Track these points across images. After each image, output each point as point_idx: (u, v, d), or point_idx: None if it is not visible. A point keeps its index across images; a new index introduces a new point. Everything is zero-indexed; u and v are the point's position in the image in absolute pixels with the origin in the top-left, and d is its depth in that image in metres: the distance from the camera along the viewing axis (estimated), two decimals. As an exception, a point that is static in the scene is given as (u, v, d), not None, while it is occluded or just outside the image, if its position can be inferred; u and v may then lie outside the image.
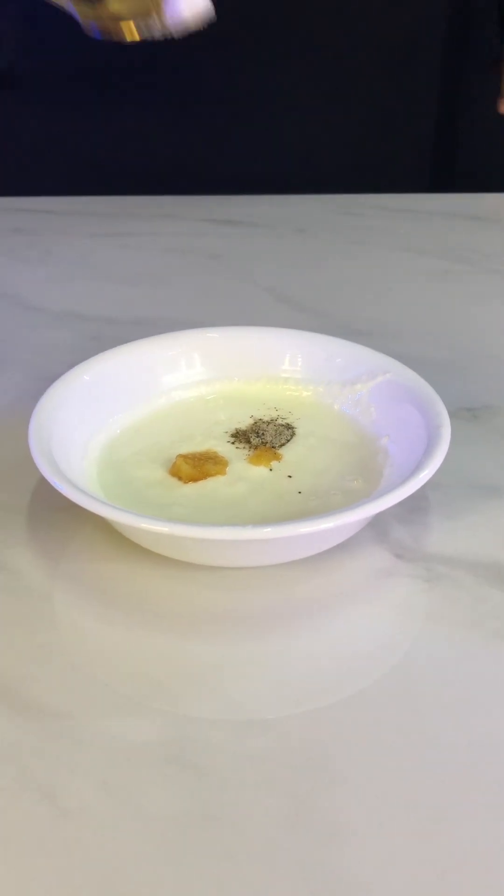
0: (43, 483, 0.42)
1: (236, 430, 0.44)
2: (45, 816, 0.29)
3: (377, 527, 0.40)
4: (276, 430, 0.44)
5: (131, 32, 0.36)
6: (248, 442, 0.43)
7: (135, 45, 0.79)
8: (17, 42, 0.78)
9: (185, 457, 0.42)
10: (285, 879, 0.28)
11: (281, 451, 0.43)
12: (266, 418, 0.45)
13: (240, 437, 0.44)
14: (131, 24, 0.36)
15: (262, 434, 0.44)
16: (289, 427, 0.44)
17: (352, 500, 0.39)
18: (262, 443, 0.43)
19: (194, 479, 0.41)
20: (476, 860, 0.28)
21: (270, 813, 0.29)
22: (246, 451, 0.43)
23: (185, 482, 0.41)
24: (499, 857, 0.28)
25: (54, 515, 0.41)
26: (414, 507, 0.41)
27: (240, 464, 0.42)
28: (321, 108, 0.79)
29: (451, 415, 0.41)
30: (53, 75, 0.78)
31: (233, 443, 0.43)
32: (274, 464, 0.42)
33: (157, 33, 0.36)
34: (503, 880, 0.28)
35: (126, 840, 0.29)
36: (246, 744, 0.32)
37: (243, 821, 0.29)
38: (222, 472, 0.41)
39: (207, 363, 0.47)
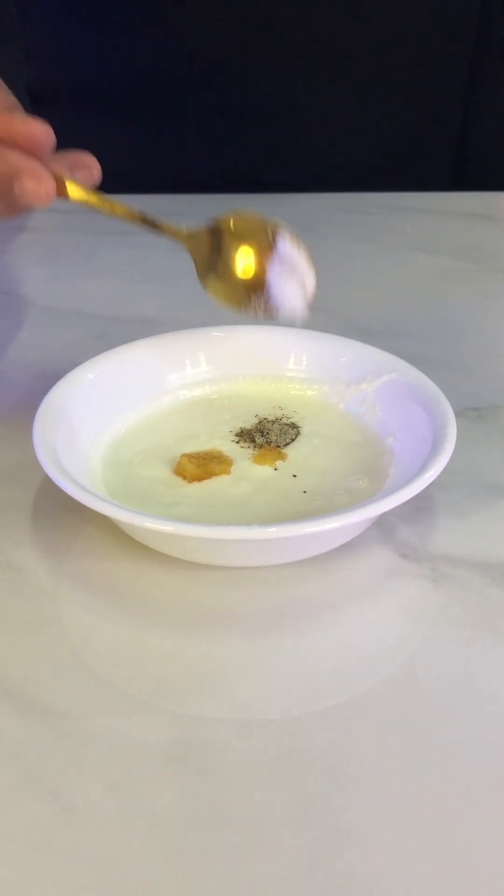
0: (47, 482, 0.42)
1: (241, 429, 0.44)
2: (51, 815, 0.29)
3: (382, 526, 0.40)
4: (280, 430, 0.44)
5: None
6: (253, 441, 0.43)
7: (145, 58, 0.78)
8: (45, 56, 0.78)
9: (189, 456, 0.42)
10: (290, 879, 0.28)
11: (286, 450, 0.43)
12: (271, 417, 0.45)
13: (244, 436, 0.44)
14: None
15: (267, 433, 0.44)
16: (294, 426, 0.44)
17: (357, 499, 0.39)
18: (267, 442, 0.43)
19: (199, 479, 0.41)
20: (483, 861, 0.28)
21: (276, 813, 0.29)
22: (251, 451, 0.43)
23: (190, 481, 0.41)
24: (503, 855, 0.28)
25: (59, 514, 0.41)
26: (420, 507, 0.41)
27: (244, 463, 0.42)
28: (328, 107, 0.79)
29: (458, 414, 0.41)
30: (71, 92, 0.79)
31: (237, 442, 0.43)
32: (279, 463, 0.42)
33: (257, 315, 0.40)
34: (509, 882, 0.28)
35: (131, 839, 0.29)
36: (251, 743, 0.32)
37: (248, 820, 0.29)
38: (227, 472, 0.41)
39: (212, 362, 0.47)
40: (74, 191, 0.41)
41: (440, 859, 0.28)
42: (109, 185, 0.76)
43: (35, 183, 0.39)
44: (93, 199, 0.42)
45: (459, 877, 0.28)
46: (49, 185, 0.39)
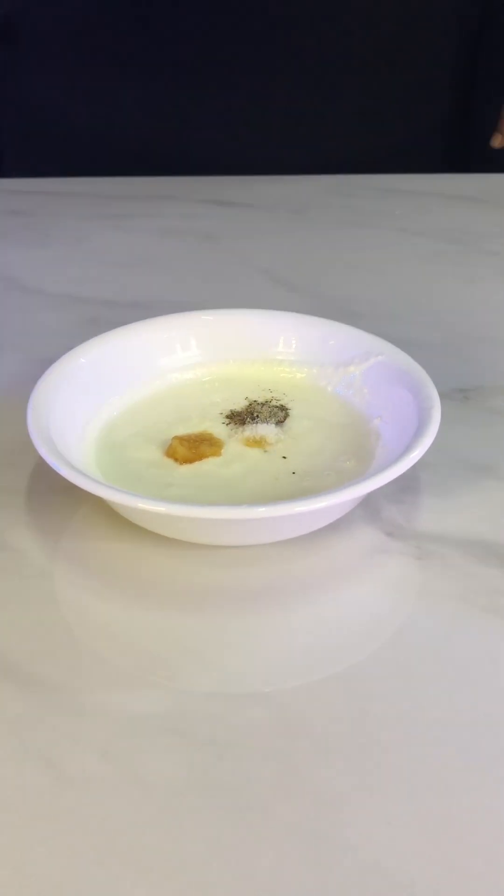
0: (41, 465, 0.43)
1: (231, 411, 0.45)
2: (48, 785, 0.30)
3: (369, 506, 0.41)
4: (270, 412, 0.45)
5: None
6: (243, 423, 0.44)
7: (133, 17, 0.78)
8: None
9: (180, 438, 0.42)
10: (279, 844, 0.29)
11: (275, 431, 0.44)
12: (261, 400, 0.46)
13: (235, 418, 0.44)
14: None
15: (257, 415, 0.44)
16: (283, 408, 0.45)
17: (344, 480, 0.40)
18: (255, 421, 0.44)
19: (190, 461, 0.42)
20: (464, 826, 0.29)
21: (266, 781, 0.31)
22: (241, 433, 0.43)
23: (181, 463, 0.41)
24: (486, 822, 0.29)
25: (53, 497, 0.42)
26: (405, 487, 0.42)
27: (235, 445, 0.43)
28: (319, 89, 0.79)
29: (444, 395, 0.42)
30: (53, 31, 0.78)
31: (228, 424, 0.44)
32: (268, 445, 0.43)
33: None
34: (491, 844, 0.29)
35: (125, 806, 0.30)
36: (242, 715, 0.33)
37: (239, 789, 0.30)
38: (217, 454, 0.42)
39: (203, 346, 0.48)
40: None
41: (423, 823, 0.29)
42: (102, 166, 0.76)
43: None
44: None
45: (442, 841, 0.29)
46: None
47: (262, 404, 0.45)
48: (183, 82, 0.79)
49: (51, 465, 0.38)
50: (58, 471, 0.38)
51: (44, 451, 0.38)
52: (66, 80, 0.79)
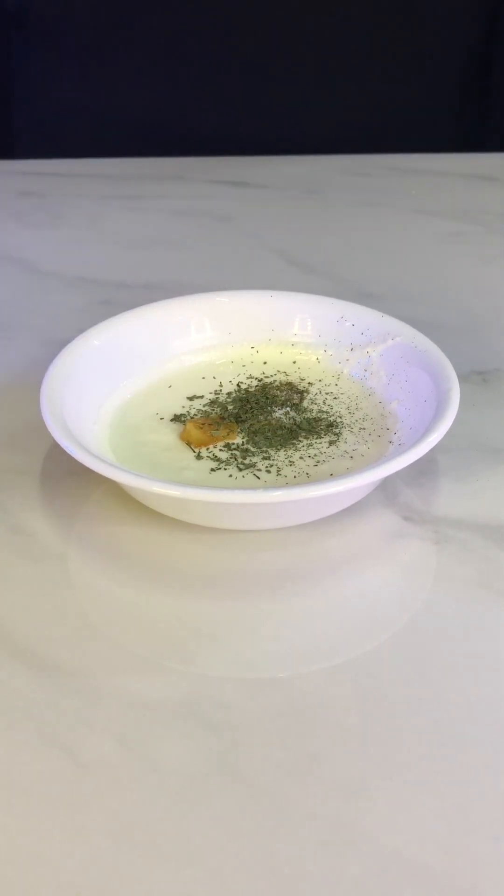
0: (55, 447, 0.42)
1: (246, 393, 0.44)
2: (65, 770, 0.30)
3: (386, 490, 0.41)
4: (286, 395, 0.44)
5: None
6: (259, 406, 0.44)
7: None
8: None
9: (195, 422, 0.42)
10: (296, 829, 0.29)
11: (291, 414, 0.43)
12: (276, 383, 0.45)
13: (250, 401, 0.44)
14: None
15: (272, 398, 0.44)
16: (299, 391, 0.45)
17: (361, 463, 0.40)
18: (271, 405, 0.43)
19: (204, 444, 0.41)
20: (482, 812, 0.29)
21: (282, 766, 0.30)
22: (255, 416, 0.43)
23: (196, 447, 0.41)
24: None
25: (67, 479, 0.41)
26: (423, 470, 0.42)
27: (250, 428, 0.42)
28: (333, 68, 0.78)
29: (462, 378, 0.41)
30: (65, 19, 0.77)
31: (242, 407, 0.44)
32: (284, 428, 0.42)
33: None
34: (508, 831, 0.29)
35: (141, 791, 0.30)
36: (259, 700, 0.32)
37: (255, 774, 0.30)
38: (233, 437, 0.42)
39: (217, 327, 0.47)
40: None
41: (441, 810, 0.29)
42: (114, 146, 0.76)
43: None
44: None
45: (459, 826, 0.29)
46: None
47: (278, 387, 0.45)
48: (196, 63, 0.78)
49: (65, 447, 0.38)
50: (71, 453, 0.37)
51: (58, 434, 0.38)
52: (77, 64, 0.79)
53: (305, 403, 0.44)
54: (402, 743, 0.31)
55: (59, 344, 0.44)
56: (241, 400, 0.44)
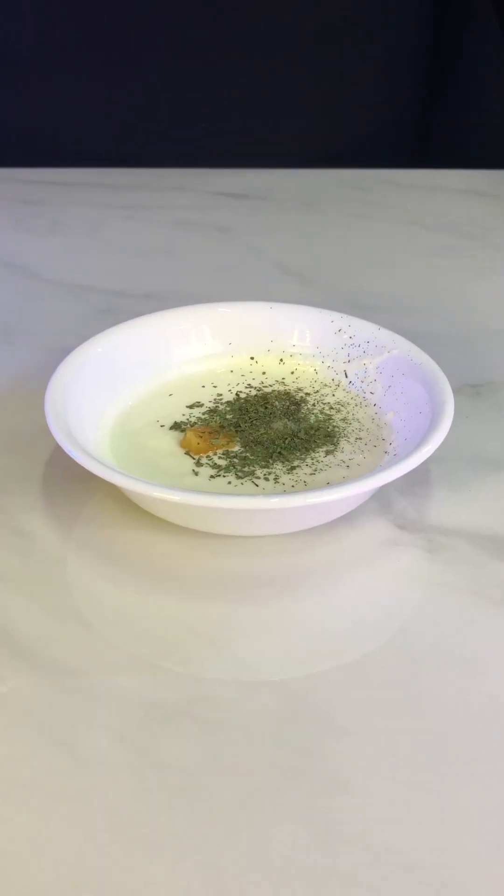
0: (57, 452, 0.43)
1: (245, 403, 0.45)
2: (65, 767, 0.31)
3: (381, 499, 0.42)
4: (283, 404, 0.45)
5: None
6: (257, 415, 0.44)
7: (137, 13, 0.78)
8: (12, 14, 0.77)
9: (194, 430, 0.43)
10: (290, 826, 0.29)
11: (289, 425, 0.44)
12: (274, 392, 0.46)
13: (248, 410, 0.45)
14: None
15: (271, 408, 0.45)
16: (296, 401, 0.46)
17: (357, 473, 0.41)
18: (270, 416, 0.44)
19: (204, 452, 0.42)
20: (472, 811, 0.30)
21: (277, 765, 0.31)
22: (253, 425, 0.44)
23: (196, 454, 0.42)
24: (493, 809, 0.30)
25: (68, 483, 0.42)
26: (417, 480, 0.43)
27: (248, 437, 0.43)
28: (332, 85, 0.79)
29: (455, 390, 0.42)
30: (69, 25, 0.78)
31: (241, 416, 0.44)
32: (282, 438, 0.43)
33: None
34: (499, 829, 0.29)
35: (139, 788, 0.30)
36: (254, 701, 0.33)
37: (250, 771, 0.31)
38: (231, 445, 0.43)
39: (217, 337, 0.48)
40: None
41: (431, 809, 0.30)
42: (116, 156, 0.77)
43: None
44: None
45: (450, 826, 0.30)
46: None
47: (276, 397, 0.46)
48: (195, 75, 0.79)
49: (67, 452, 0.39)
50: (74, 458, 0.38)
51: (61, 438, 0.39)
52: (80, 72, 0.79)
53: (303, 413, 0.45)
54: (395, 744, 0.32)
55: (59, 351, 0.45)
56: (240, 409, 0.45)
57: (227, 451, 0.42)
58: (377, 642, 0.36)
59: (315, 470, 0.41)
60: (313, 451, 0.42)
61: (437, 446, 0.39)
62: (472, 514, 0.41)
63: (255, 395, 0.46)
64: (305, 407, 0.45)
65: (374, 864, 0.28)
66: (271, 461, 0.41)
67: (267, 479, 0.41)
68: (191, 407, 0.45)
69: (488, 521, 0.41)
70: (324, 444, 0.43)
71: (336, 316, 0.48)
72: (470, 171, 0.78)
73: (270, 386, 0.47)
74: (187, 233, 0.67)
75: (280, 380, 0.47)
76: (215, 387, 0.47)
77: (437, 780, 0.31)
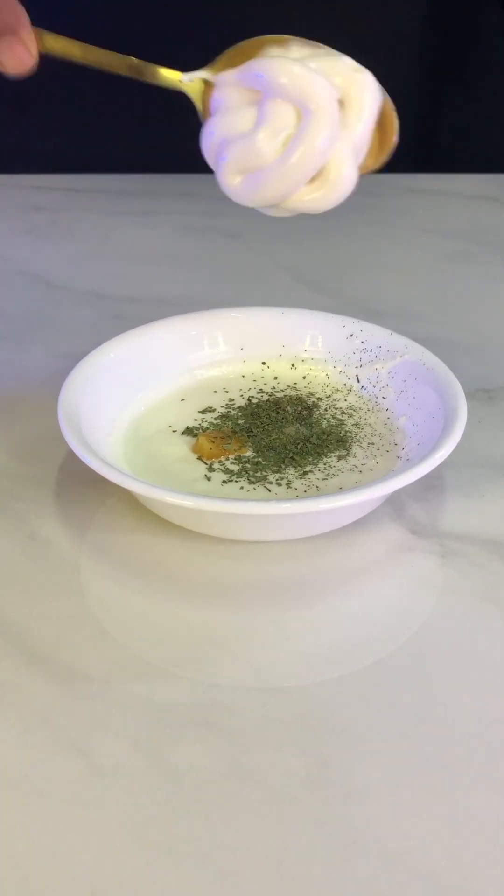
0: (70, 457, 0.43)
1: (257, 408, 0.45)
2: (81, 773, 0.31)
3: (394, 504, 0.42)
4: (295, 410, 0.45)
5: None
6: (269, 421, 0.44)
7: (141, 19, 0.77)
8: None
9: (207, 435, 0.43)
10: (304, 833, 0.29)
11: (301, 430, 0.44)
12: (286, 398, 0.46)
13: (260, 415, 0.45)
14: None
15: (283, 413, 0.45)
16: (308, 406, 0.46)
17: (370, 478, 0.41)
18: (283, 421, 0.44)
19: (216, 457, 0.42)
20: (488, 819, 0.30)
21: (293, 773, 0.31)
22: (265, 430, 0.44)
23: (208, 460, 0.42)
24: (508, 816, 0.30)
25: (81, 488, 0.42)
26: (429, 486, 0.42)
27: (260, 442, 0.43)
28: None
29: (468, 395, 0.42)
30: (79, 31, 0.78)
31: (254, 421, 0.45)
32: (295, 443, 0.43)
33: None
34: (511, 838, 0.29)
35: (155, 794, 0.30)
36: (268, 708, 0.33)
37: (265, 778, 0.31)
38: (243, 451, 0.43)
39: (230, 343, 0.48)
40: (53, 42, 0.37)
41: (446, 816, 0.30)
42: (126, 162, 0.77)
43: (14, 45, 0.36)
44: (75, 49, 0.38)
45: (466, 834, 0.29)
46: (32, 46, 0.35)
47: (288, 402, 0.46)
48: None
49: (80, 457, 0.39)
50: (87, 463, 0.38)
51: (74, 444, 0.39)
52: (89, 79, 0.80)
53: (315, 418, 0.45)
54: (409, 750, 0.32)
55: (71, 357, 0.45)
56: (252, 414, 0.45)
57: (240, 456, 0.42)
58: (391, 648, 0.36)
59: (327, 475, 0.41)
60: (326, 455, 0.42)
61: (450, 451, 0.39)
62: (485, 520, 0.41)
63: (267, 400, 0.46)
64: (317, 412, 0.45)
65: (389, 871, 0.28)
66: (283, 466, 0.41)
67: (279, 485, 0.41)
68: (203, 412, 0.45)
69: (502, 527, 0.41)
70: (336, 449, 0.43)
71: (348, 321, 0.48)
72: (481, 175, 0.78)
73: (282, 391, 0.47)
74: (198, 239, 0.68)
75: (292, 385, 0.47)
76: (227, 392, 0.47)
77: (452, 786, 0.31)
